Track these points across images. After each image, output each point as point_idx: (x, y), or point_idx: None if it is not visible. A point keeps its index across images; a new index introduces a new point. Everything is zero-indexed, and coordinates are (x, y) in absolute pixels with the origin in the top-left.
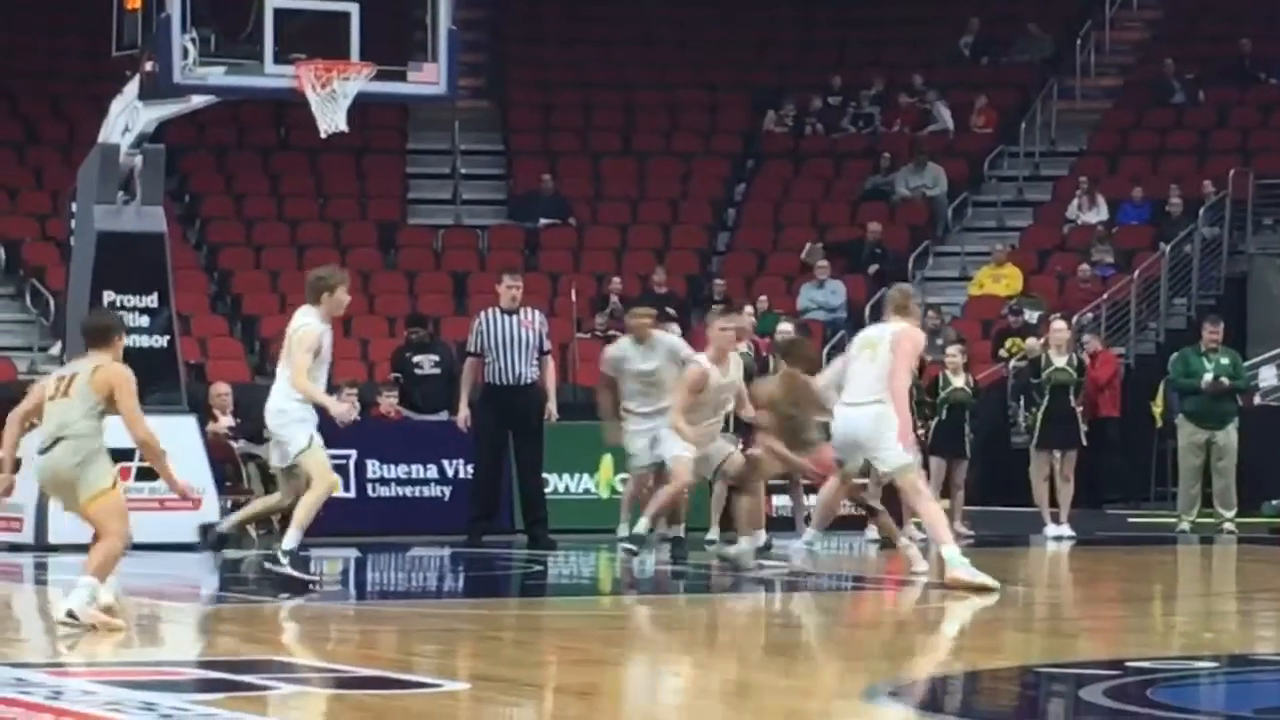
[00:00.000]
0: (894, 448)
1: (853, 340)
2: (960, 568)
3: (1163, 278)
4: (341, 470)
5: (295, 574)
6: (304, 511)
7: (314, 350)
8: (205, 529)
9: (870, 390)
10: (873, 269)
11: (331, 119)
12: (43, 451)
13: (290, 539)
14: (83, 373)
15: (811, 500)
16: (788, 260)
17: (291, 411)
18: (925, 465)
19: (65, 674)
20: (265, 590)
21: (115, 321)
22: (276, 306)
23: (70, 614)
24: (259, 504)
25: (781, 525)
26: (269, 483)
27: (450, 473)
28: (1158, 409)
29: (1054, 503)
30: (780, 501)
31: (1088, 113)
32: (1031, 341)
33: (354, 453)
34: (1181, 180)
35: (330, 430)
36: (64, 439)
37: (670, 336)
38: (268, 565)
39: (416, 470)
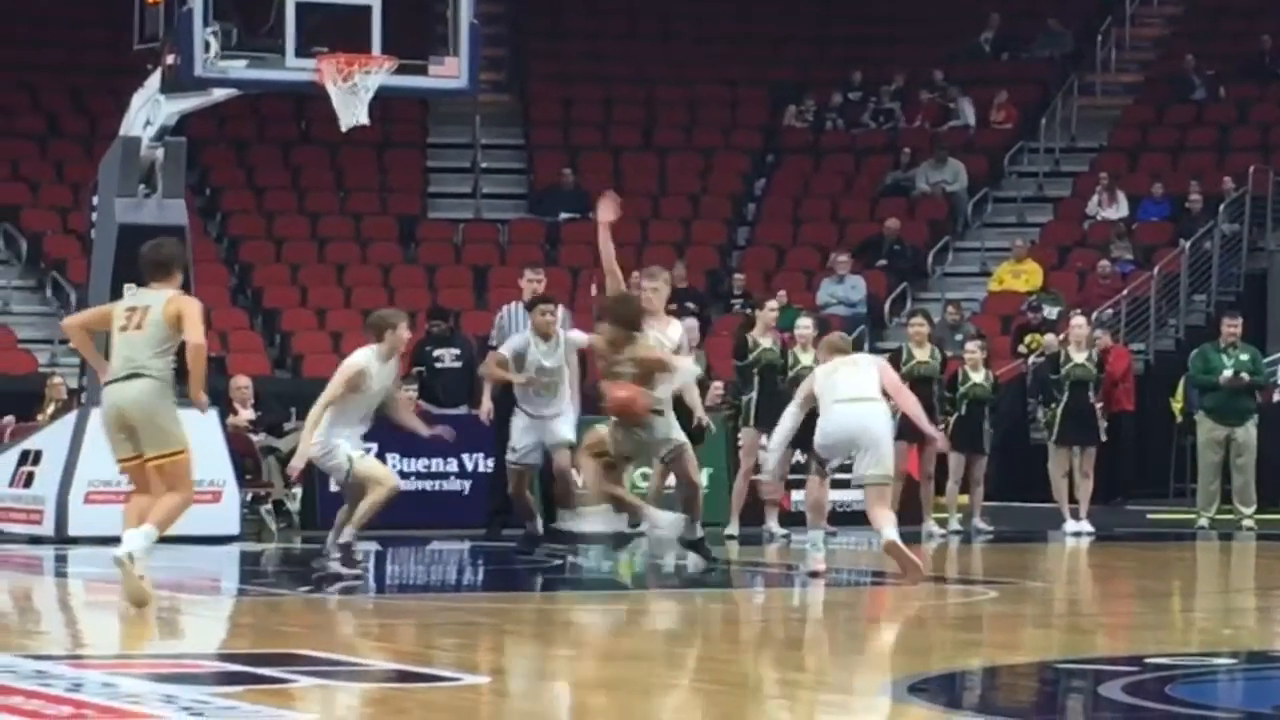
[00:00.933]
0: (892, 452)
1: (815, 379)
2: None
3: (1182, 274)
4: None
5: (343, 570)
6: (364, 512)
7: (352, 384)
8: (344, 547)
9: (870, 389)
10: (880, 263)
11: (353, 113)
12: (114, 382)
13: (345, 534)
14: (155, 305)
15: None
16: (807, 255)
17: (324, 443)
18: (945, 460)
19: (86, 666)
20: (286, 584)
21: (177, 253)
22: (297, 300)
23: (130, 556)
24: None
25: (800, 520)
26: (287, 477)
27: (470, 467)
28: (1177, 405)
29: (1072, 498)
30: (799, 496)
31: (1108, 109)
32: (1050, 337)
33: (375, 446)
34: (1201, 176)
35: None
36: (142, 375)
37: (575, 334)
38: (320, 561)
39: (436, 464)
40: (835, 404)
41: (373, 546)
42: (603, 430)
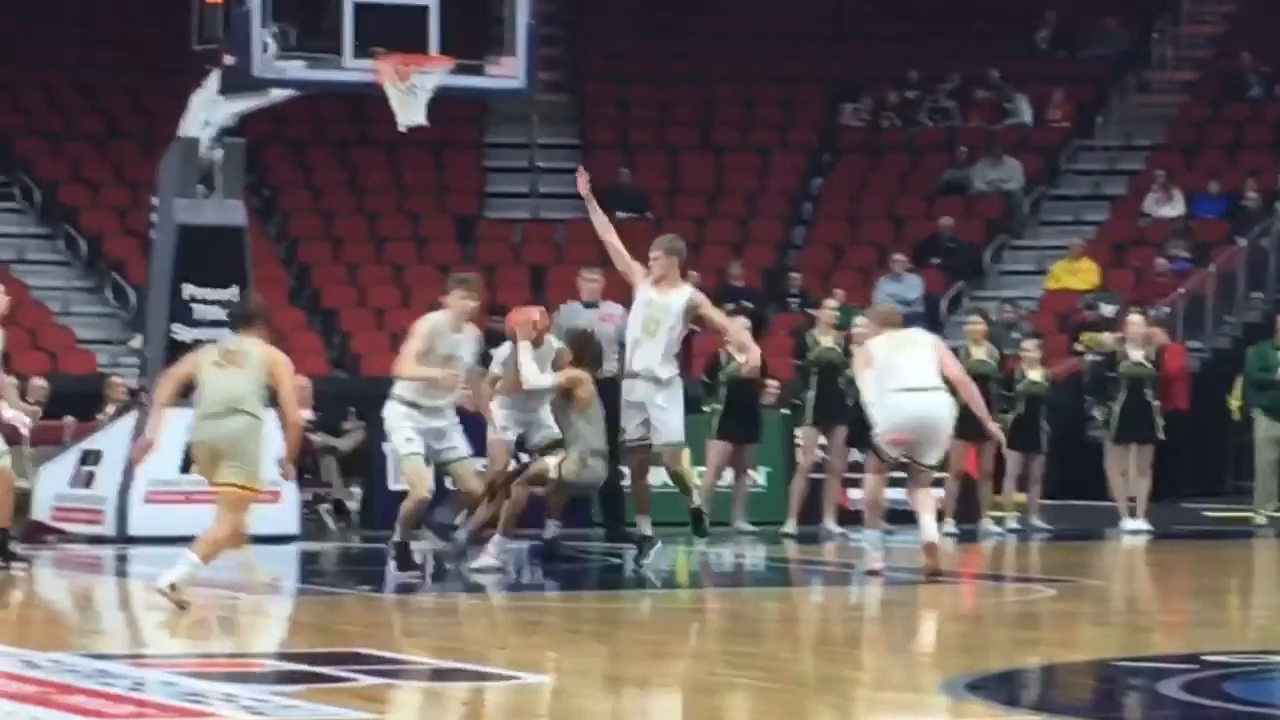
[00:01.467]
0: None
1: (867, 344)
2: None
3: (1239, 271)
4: None
5: (399, 573)
6: (401, 514)
7: (425, 340)
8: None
9: (933, 376)
10: (934, 261)
11: (410, 113)
12: (210, 416)
13: (396, 534)
14: (253, 350)
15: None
16: (864, 254)
17: (388, 418)
18: (1002, 458)
19: (146, 665)
20: (345, 583)
21: (265, 306)
22: (355, 300)
23: (173, 586)
24: (481, 511)
25: (858, 519)
26: (346, 475)
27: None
28: (1235, 403)
29: (1129, 496)
30: (857, 495)
31: (1164, 106)
32: (1108, 335)
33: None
34: (1258, 173)
35: None
36: (241, 412)
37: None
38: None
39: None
40: (898, 392)
41: (432, 546)
42: (550, 462)
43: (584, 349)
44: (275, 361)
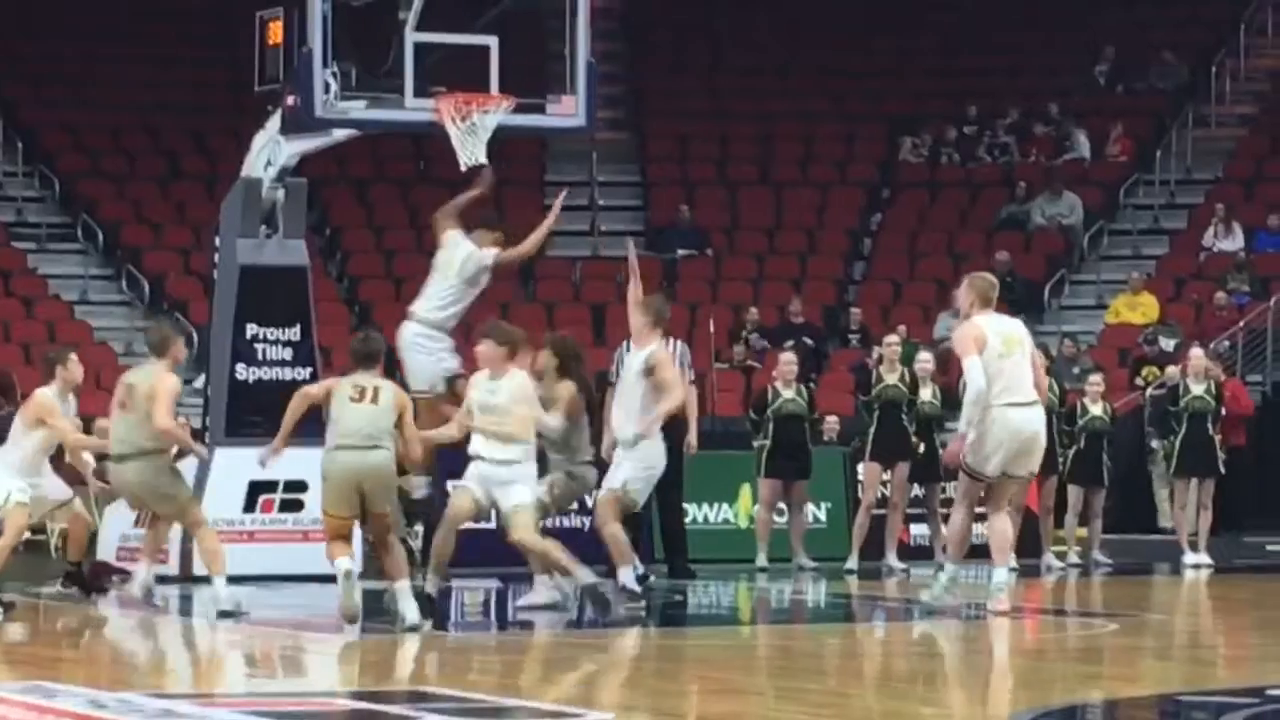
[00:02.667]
0: None
1: (987, 333)
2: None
3: None
4: None
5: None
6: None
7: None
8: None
9: (1032, 391)
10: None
11: (471, 151)
12: (352, 447)
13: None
14: (385, 388)
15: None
16: (924, 289)
17: None
18: (1064, 493)
19: (212, 704)
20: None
21: (384, 345)
22: None
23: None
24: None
25: (919, 554)
26: (409, 514)
27: (590, 503)
28: None
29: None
30: (918, 530)
31: (1223, 140)
32: (1171, 369)
33: None
34: None
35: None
36: (384, 448)
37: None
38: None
39: None
40: (1009, 407)
41: (494, 584)
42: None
43: (564, 354)
44: (404, 403)
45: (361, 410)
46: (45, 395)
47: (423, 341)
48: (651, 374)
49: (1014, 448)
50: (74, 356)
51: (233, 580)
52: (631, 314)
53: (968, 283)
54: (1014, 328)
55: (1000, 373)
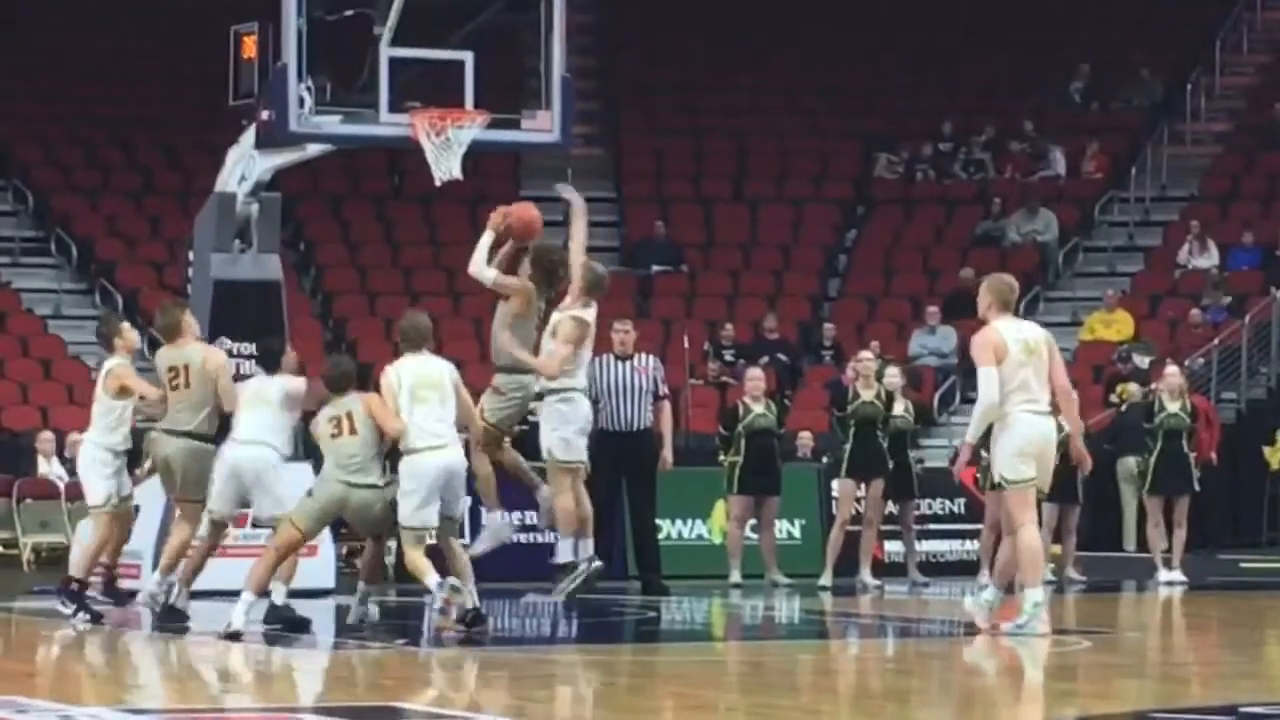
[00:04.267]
0: None
1: (1008, 340)
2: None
3: (1274, 322)
4: None
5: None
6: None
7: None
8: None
9: (1047, 401)
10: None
11: (446, 166)
12: (342, 483)
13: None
14: (356, 412)
15: (928, 546)
16: (899, 306)
17: None
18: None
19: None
20: (382, 637)
21: (353, 367)
22: (391, 354)
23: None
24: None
25: (893, 571)
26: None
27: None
28: (1277, 456)
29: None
30: (892, 547)
31: (1198, 157)
32: (1134, 387)
33: (468, 500)
34: None
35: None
36: (371, 485)
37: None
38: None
39: (530, 516)
40: (1028, 414)
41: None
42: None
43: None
44: (369, 404)
45: (342, 444)
46: (121, 363)
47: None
48: (554, 335)
49: (1031, 449)
50: (125, 325)
51: (207, 595)
52: (572, 270)
53: (986, 285)
54: (1033, 333)
55: (1019, 381)
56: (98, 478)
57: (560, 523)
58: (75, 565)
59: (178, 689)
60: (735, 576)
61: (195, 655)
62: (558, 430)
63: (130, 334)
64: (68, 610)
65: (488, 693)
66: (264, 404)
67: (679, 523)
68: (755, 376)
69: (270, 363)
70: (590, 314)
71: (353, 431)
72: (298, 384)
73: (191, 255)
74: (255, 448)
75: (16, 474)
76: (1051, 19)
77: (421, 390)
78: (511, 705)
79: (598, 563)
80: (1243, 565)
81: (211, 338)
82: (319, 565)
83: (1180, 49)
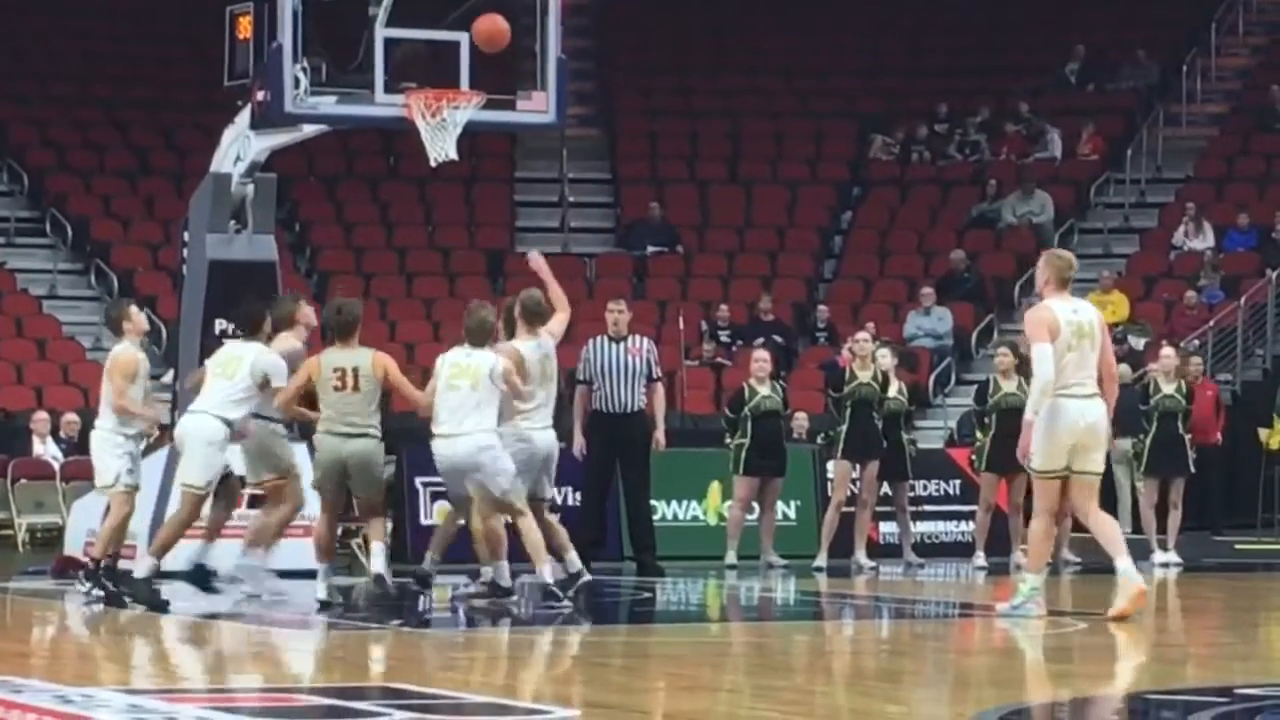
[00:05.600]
0: None
1: (1060, 320)
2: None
3: (1269, 304)
4: None
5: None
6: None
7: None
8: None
9: (1093, 383)
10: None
11: (441, 147)
12: (337, 434)
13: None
14: (363, 365)
15: (923, 527)
16: (894, 287)
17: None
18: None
19: (179, 700)
20: (377, 617)
21: (359, 311)
22: (386, 334)
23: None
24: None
25: (888, 552)
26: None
27: (558, 500)
28: (1276, 438)
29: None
30: (887, 528)
31: (1194, 139)
32: (1124, 368)
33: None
34: None
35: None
36: (368, 435)
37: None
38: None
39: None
40: (1067, 398)
41: (462, 581)
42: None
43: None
44: (383, 365)
45: (344, 399)
46: (124, 351)
47: None
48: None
49: (1071, 441)
50: (134, 308)
51: (207, 575)
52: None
53: (1045, 260)
54: (1087, 314)
55: (1065, 363)
56: (110, 458)
57: (490, 549)
58: (99, 544)
59: (173, 669)
60: (731, 558)
61: (191, 635)
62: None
63: (138, 317)
64: (83, 589)
65: (481, 673)
66: (227, 377)
67: (674, 504)
68: (761, 358)
69: (248, 328)
70: (526, 346)
71: (355, 388)
72: (272, 358)
73: (187, 236)
74: (199, 417)
75: (11, 454)
76: (1048, 0)
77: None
78: (509, 685)
79: (515, 595)
80: (1238, 546)
81: (206, 319)
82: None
83: (1176, 31)
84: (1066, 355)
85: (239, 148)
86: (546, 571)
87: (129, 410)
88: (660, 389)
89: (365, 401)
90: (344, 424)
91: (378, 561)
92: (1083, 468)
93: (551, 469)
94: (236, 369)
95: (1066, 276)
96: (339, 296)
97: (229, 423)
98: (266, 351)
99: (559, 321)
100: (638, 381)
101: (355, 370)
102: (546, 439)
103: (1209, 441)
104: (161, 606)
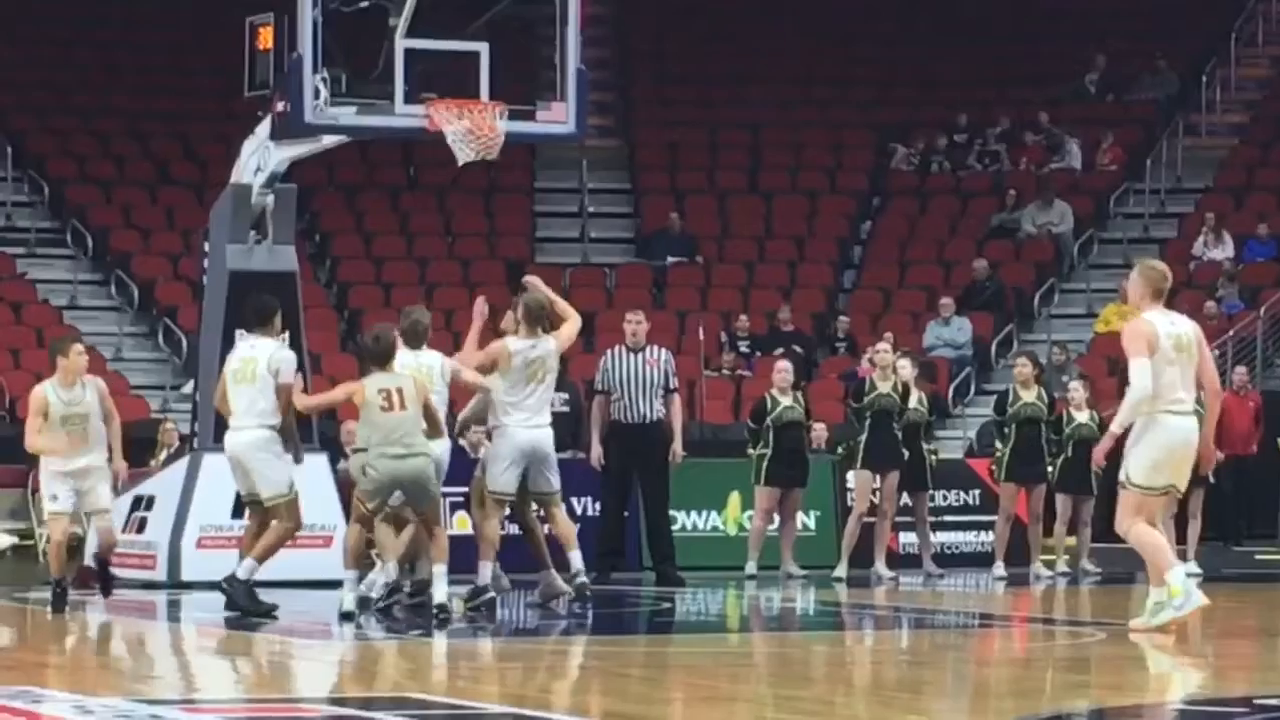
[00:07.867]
0: None
1: (1160, 334)
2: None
3: None
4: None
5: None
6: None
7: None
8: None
9: (1191, 400)
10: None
11: (468, 152)
12: (393, 456)
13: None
14: (407, 387)
15: (942, 537)
16: (914, 298)
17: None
18: (1053, 501)
19: (200, 711)
20: (396, 628)
21: (395, 338)
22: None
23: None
24: None
25: (908, 563)
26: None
27: (578, 510)
28: None
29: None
30: (907, 538)
31: (1214, 149)
32: None
33: None
34: None
35: (462, 470)
36: (421, 454)
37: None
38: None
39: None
40: (1169, 415)
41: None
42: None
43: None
44: (422, 389)
45: (393, 419)
46: (35, 391)
47: None
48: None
49: (1170, 458)
50: (78, 345)
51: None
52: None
53: (1138, 272)
54: (1186, 329)
55: (1166, 379)
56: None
57: (483, 548)
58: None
59: (193, 680)
60: (751, 568)
61: (208, 646)
62: (490, 463)
63: (76, 359)
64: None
65: (499, 683)
66: (248, 382)
67: (693, 514)
68: (783, 369)
69: (257, 321)
70: (519, 344)
71: (403, 407)
72: (286, 353)
73: (207, 246)
74: (243, 432)
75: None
76: (1067, 10)
77: None
78: (529, 696)
79: (493, 595)
80: (1258, 557)
81: (227, 329)
82: (332, 556)
83: (1196, 41)
84: (1167, 370)
85: (259, 158)
86: (485, 571)
87: (37, 449)
88: (678, 400)
89: (414, 420)
90: (400, 445)
91: (439, 588)
92: (1177, 482)
93: (546, 466)
94: (254, 370)
95: (1162, 288)
96: (376, 325)
97: (273, 427)
98: (280, 347)
99: (569, 329)
100: (655, 392)
101: (400, 390)
102: (531, 436)
103: (1245, 453)
104: (264, 611)
